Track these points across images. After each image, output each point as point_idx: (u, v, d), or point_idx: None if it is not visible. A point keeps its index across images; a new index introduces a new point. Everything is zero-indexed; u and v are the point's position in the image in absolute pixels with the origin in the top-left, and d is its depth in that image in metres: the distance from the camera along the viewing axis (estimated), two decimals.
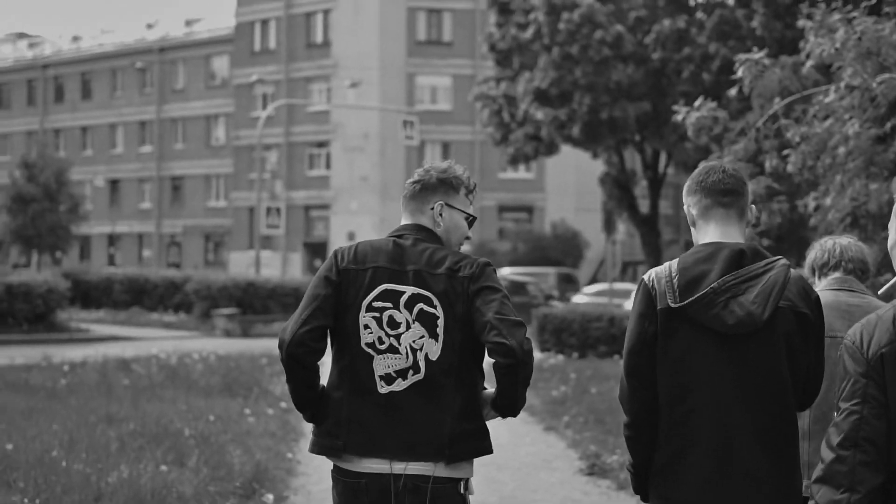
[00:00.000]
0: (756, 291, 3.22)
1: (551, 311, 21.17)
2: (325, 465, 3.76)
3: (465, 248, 4.07)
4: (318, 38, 52.91)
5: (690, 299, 3.24)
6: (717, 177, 3.43)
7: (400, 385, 3.60)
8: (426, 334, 3.60)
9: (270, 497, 7.84)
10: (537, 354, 19.23)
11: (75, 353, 18.37)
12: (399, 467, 3.57)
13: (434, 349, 3.59)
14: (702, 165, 3.52)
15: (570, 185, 51.34)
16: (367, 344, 3.62)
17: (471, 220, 3.83)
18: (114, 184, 62.73)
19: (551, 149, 30.78)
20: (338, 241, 49.41)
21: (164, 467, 8.09)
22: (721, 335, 3.24)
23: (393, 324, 3.61)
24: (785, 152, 8.50)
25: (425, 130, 45.87)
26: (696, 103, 9.22)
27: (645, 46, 26.95)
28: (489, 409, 3.68)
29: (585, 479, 9.20)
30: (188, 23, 62.58)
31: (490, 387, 3.70)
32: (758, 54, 8.86)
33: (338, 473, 3.67)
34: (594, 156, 32.68)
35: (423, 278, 3.62)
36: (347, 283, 3.65)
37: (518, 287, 33.64)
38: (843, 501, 2.73)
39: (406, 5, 50.99)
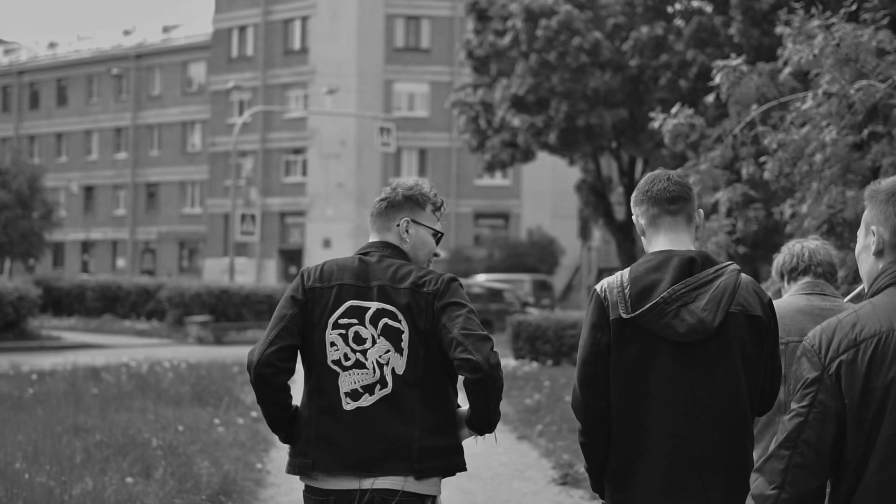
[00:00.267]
0: (706, 298, 3.23)
1: (525, 318, 21.07)
2: (294, 476, 3.77)
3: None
4: (296, 44, 52.77)
5: (641, 310, 3.24)
6: (662, 185, 3.43)
7: (367, 400, 3.60)
8: (392, 349, 3.61)
9: None
10: (511, 362, 19.12)
11: (45, 361, 18.14)
12: (367, 483, 3.56)
13: (399, 363, 3.60)
14: (647, 176, 3.51)
15: (547, 191, 51.32)
16: (333, 361, 3.63)
17: (438, 236, 3.84)
18: (88, 190, 62.40)
19: (528, 156, 30.71)
20: (313, 248, 49.23)
21: (129, 479, 7.93)
22: (674, 343, 3.25)
23: (359, 339, 3.62)
24: (762, 159, 8.45)
25: (402, 137, 45.72)
26: (673, 110, 9.14)
27: (623, 53, 26.92)
28: (465, 429, 3.69)
29: (559, 488, 9.09)
30: (166, 29, 62.44)
31: (465, 405, 3.69)
32: (735, 61, 8.79)
33: (308, 492, 3.69)
34: (571, 163, 32.65)
35: (386, 293, 3.62)
36: (314, 301, 3.67)
37: (495, 294, 33.58)
38: (772, 498, 2.75)
39: (384, 12, 50.90)
